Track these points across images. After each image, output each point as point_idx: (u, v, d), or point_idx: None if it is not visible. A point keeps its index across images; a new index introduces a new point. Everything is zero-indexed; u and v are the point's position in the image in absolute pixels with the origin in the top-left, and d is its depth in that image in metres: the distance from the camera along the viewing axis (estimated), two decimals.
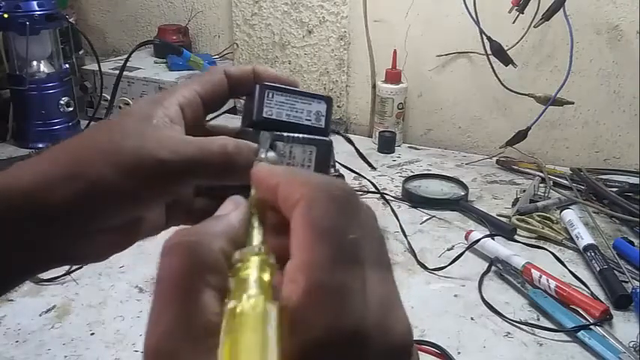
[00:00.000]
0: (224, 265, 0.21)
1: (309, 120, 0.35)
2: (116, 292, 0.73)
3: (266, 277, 0.20)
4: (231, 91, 0.35)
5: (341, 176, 0.70)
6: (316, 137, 0.34)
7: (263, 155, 0.31)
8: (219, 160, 0.30)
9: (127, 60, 1.15)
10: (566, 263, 0.79)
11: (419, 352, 0.63)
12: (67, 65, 1.22)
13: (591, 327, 0.66)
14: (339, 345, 0.18)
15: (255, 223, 0.24)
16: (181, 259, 0.20)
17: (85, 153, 0.29)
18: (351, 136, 1.32)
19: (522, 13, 1.04)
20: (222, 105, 0.36)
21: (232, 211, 0.24)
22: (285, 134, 0.33)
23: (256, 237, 0.23)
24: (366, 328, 0.19)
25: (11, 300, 0.71)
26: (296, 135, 0.34)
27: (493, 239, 0.84)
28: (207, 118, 0.36)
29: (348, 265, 0.20)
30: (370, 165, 0.75)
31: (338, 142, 0.36)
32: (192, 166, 0.30)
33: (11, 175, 0.29)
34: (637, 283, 0.75)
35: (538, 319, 0.70)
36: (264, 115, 0.34)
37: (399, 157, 1.21)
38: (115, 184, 0.28)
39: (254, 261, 0.21)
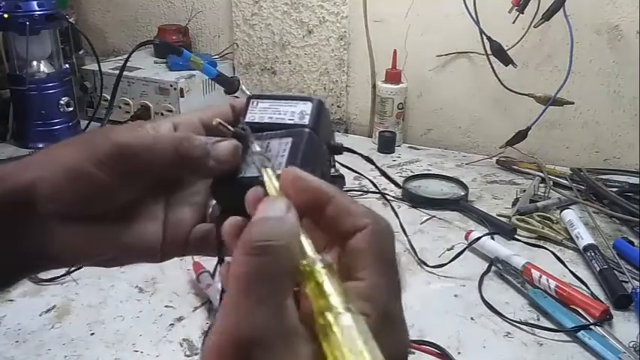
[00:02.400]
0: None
1: (292, 119, 0.34)
2: (116, 292, 0.73)
3: (338, 284, 0.23)
4: (235, 121, 0.36)
5: (341, 176, 0.70)
6: (293, 130, 0.34)
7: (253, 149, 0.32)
8: (170, 141, 0.33)
9: (127, 60, 1.15)
10: (566, 263, 0.79)
11: (419, 352, 0.63)
12: (67, 65, 1.22)
13: (591, 327, 0.66)
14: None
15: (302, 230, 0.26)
16: (277, 261, 0.23)
17: (61, 146, 0.33)
18: (351, 136, 1.33)
19: (522, 13, 1.04)
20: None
21: (284, 211, 0.25)
22: (265, 133, 0.34)
23: (308, 244, 0.25)
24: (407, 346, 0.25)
25: (11, 300, 0.71)
26: (274, 132, 0.34)
27: (493, 238, 0.84)
28: None
29: (400, 295, 0.25)
30: (396, 184, 0.79)
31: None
32: (144, 147, 0.32)
33: None
34: (637, 283, 0.75)
35: (538, 319, 0.70)
36: (247, 120, 0.35)
37: (399, 157, 1.21)
38: (71, 164, 0.32)
39: (323, 271, 0.23)
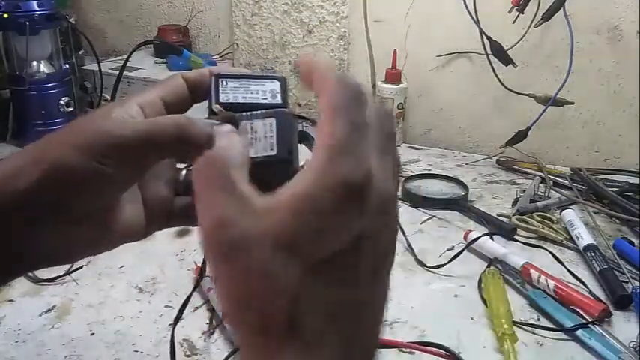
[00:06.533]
0: None
1: (266, 98, 0.35)
2: (116, 292, 0.73)
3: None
4: (192, 95, 0.37)
5: None
6: (274, 110, 0.34)
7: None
8: (171, 130, 0.32)
9: (127, 60, 1.15)
10: (566, 263, 0.79)
11: (424, 353, 0.63)
12: (67, 65, 1.22)
13: (590, 326, 0.66)
14: (349, 189, 0.24)
15: None
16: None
17: (48, 142, 0.32)
18: None
19: (522, 13, 1.04)
20: (186, 109, 0.37)
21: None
22: (244, 113, 0.34)
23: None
24: (369, 182, 0.25)
25: (11, 300, 0.71)
26: (254, 112, 0.34)
27: (492, 238, 0.84)
28: None
29: (359, 136, 0.25)
30: None
31: None
32: (147, 138, 0.31)
33: None
34: (637, 283, 0.75)
35: (538, 319, 0.70)
36: (221, 100, 0.35)
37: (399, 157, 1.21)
38: (75, 163, 0.30)
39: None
